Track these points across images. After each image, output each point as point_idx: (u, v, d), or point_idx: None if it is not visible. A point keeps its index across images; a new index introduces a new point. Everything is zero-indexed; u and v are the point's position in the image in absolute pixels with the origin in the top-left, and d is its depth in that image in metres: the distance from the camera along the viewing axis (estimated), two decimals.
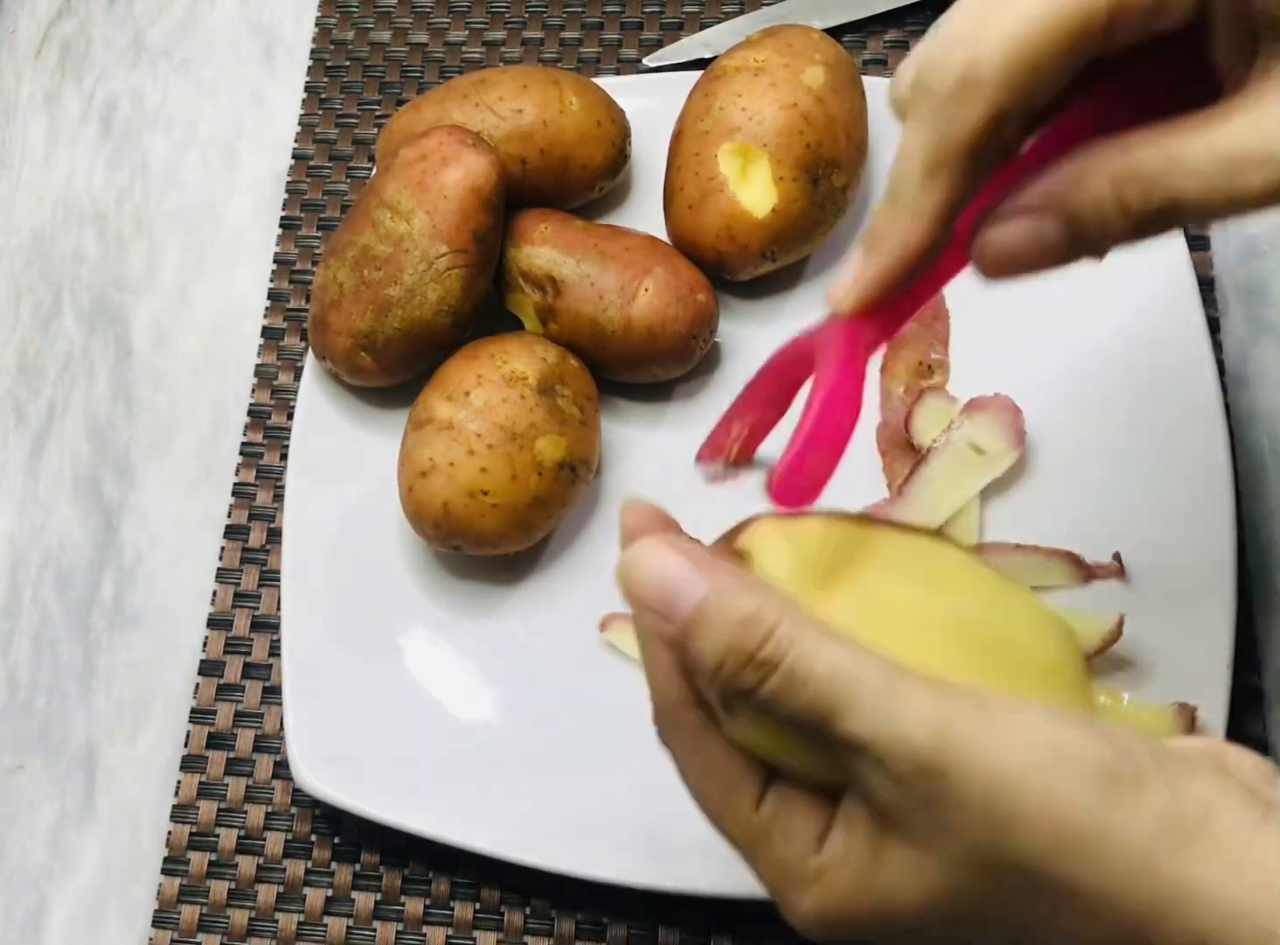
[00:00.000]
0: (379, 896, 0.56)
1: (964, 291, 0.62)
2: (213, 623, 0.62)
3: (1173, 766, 0.33)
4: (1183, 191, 0.35)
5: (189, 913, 0.57)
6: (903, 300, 0.38)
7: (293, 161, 0.71)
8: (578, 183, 0.63)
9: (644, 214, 0.64)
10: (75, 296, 0.70)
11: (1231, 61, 0.36)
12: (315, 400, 0.62)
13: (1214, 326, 0.62)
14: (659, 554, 0.35)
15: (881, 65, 0.70)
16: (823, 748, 0.33)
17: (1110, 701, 0.53)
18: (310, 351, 0.62)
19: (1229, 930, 0.31)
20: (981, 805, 0.32)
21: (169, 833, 0.58)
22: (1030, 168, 0.37)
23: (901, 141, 0.36)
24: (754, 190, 0.60)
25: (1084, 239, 0.36)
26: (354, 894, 0.56)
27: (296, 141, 0.72)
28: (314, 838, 0.57)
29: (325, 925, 0.56)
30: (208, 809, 0.58)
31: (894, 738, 0.32)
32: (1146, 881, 0.31)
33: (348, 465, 0.61)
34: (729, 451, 0.38)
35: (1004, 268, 0.37)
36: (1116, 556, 0.56)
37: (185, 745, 0.60)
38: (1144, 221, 0.36)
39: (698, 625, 0.34)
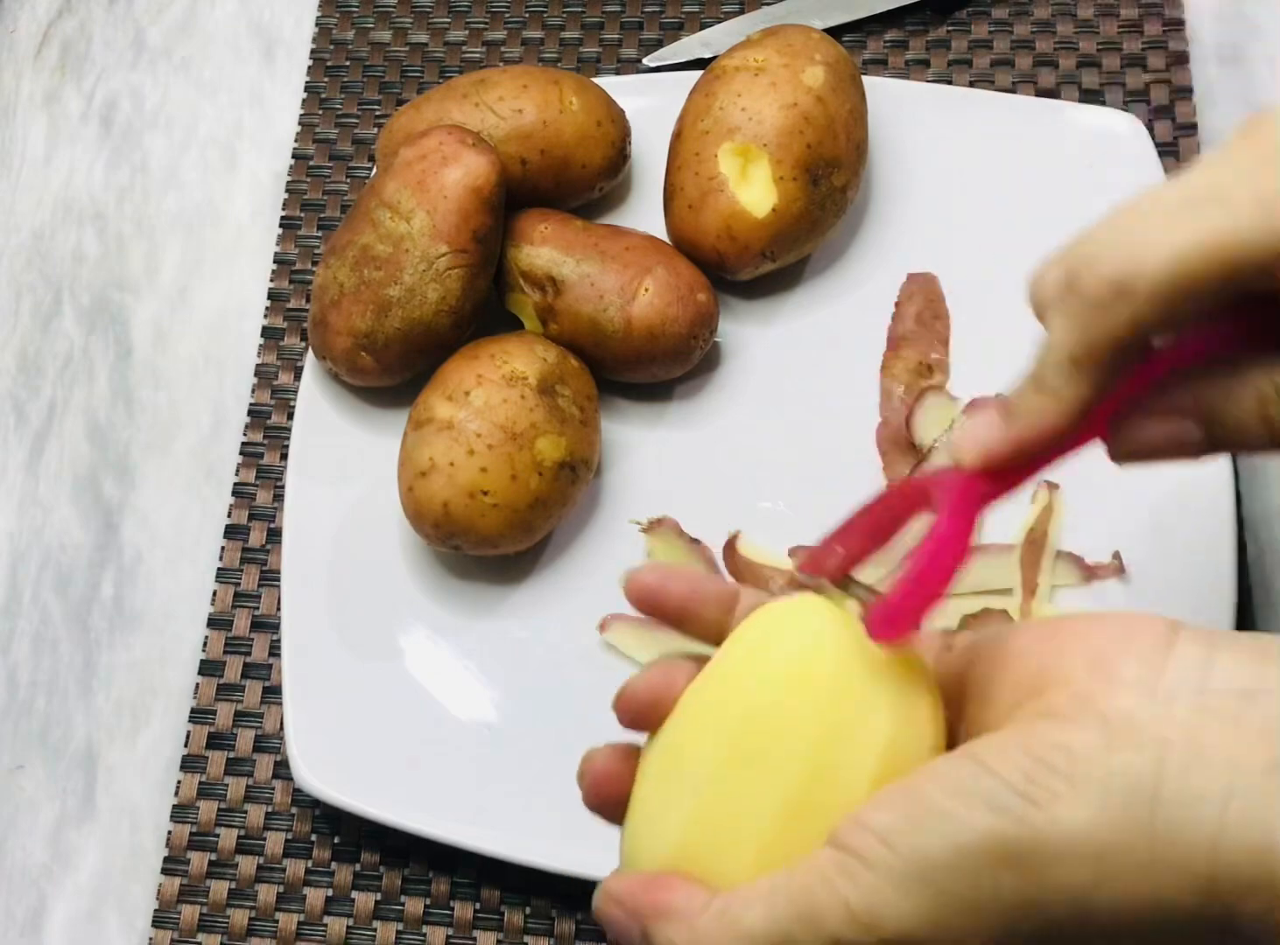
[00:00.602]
0: (379, 896, 0.56)
1: (964, 292, 0.63)
2: (213, 623, 0.62)
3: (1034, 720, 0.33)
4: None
5: (189, 913, 0.57)
6: (1023, 467, 0.39)
7: (293, 161, 0.71)
8: (578, 183, 0.63)
9: (644, 214, 0.64)
10: (75, 296, 0.70)
11: None
12: (315, 400, 0.62)
13: None
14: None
15: (881, 65, 0.70)
16: None
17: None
18: (310, 351, 0.62)
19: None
20: None
21: (169, 833, 0.58)
22: (1173, 362, 0.39)
23: (1050, 333, 0.37)
24: (754, 190, 0.60)
25: (1221, 444, 0.39)
26: (354, 894, 0.56)
27: (296, 141, 0.72)
28: (314, 838, 0.57)
29: (325, 925, 0.56)
30: (208, 809, 0.58)
31: None
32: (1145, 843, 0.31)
33: (348, 465, 0.61)
34: (828, 571, 0.40)
35: (1138, 458, 0.40)
36: (1116, 556, 0.56)
37: (185, 745, 0.60)
38: None
39: None
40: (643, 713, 0.39)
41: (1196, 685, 0.32)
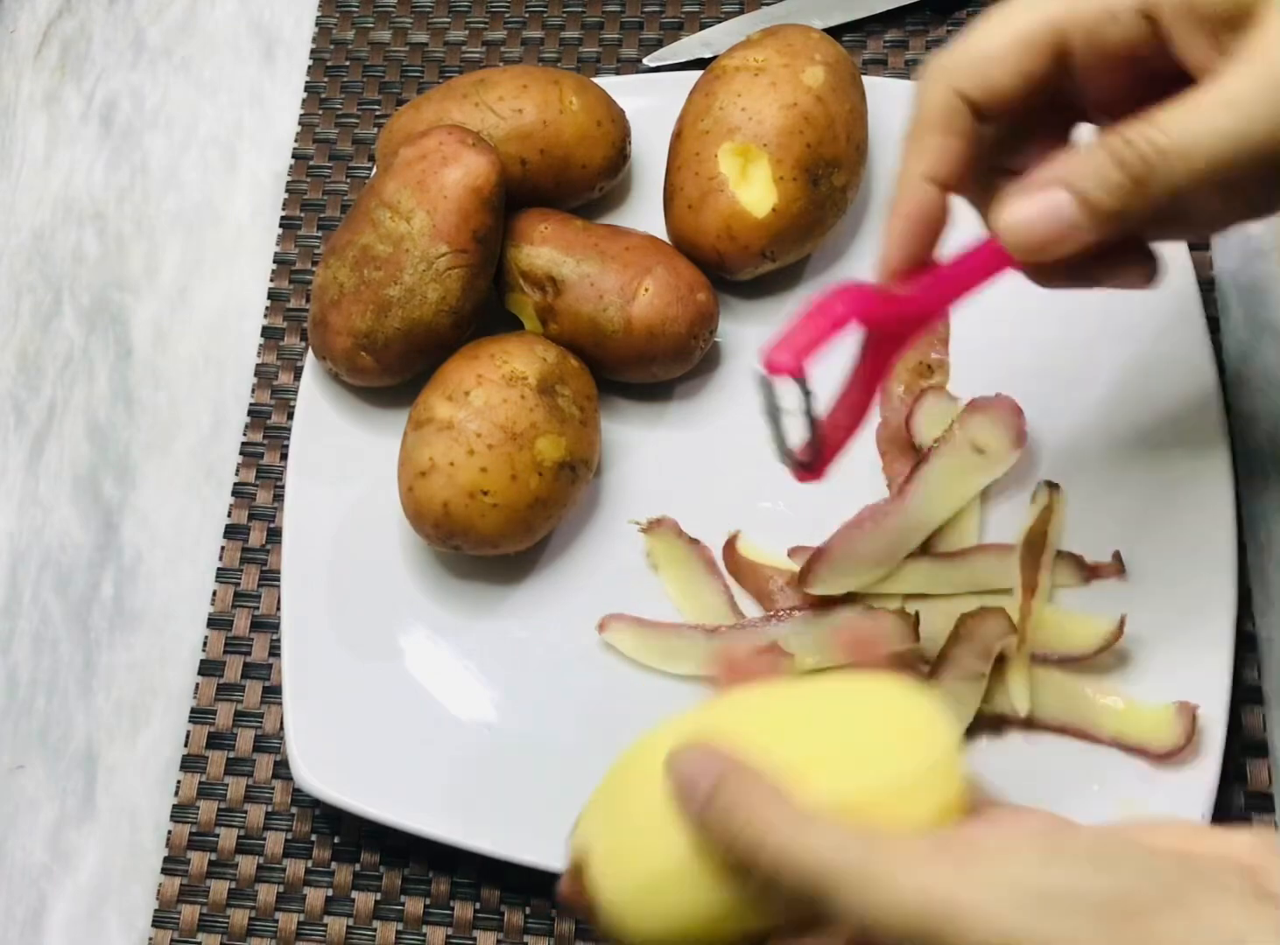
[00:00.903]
0: (379, 896, 0.56)
1: None
2: (213, 623, 0.62)
3: (1194, 889, 0.32)
4: (1161, 139, 0.39)
5: (189, 913, 0.57)
6: (941, 283, 0.44)
7: (293, 161, 0.71)
8: (578, 183, 0.63)
9: (644, 214, 0.64)
10: (75, 296, 0.70)
11: (1199, 61, 0.41)
12: (315, 400, 0.62)
13: (1214, 326, 0.62)
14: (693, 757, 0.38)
15: (881, 65, 0.70)
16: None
17: (1112, 703, 0.53)
18: (310, 351, 0.62)
19: None
20: None
21: (169, 833, 0.58)
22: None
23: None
24: (754, 190, 0.60)
25: (1094, 205, 0.40)
26: (354, 894, 0.56)
27: (296, 141, 0.72)
28: (314, 838, 0.57)
29: (325, 925, 0.56)
30: (208, 809, 0.58)
31: (884, 910, 0.33)
32: None
33: (348, 465, 0.61)
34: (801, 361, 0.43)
35: (1032, 246, 0.42)
36: (1116, 556, 0.56)
37: (185, 745, 0.60)
38: (1137, 175, 0.40)
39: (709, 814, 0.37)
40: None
41: None
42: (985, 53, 0.44)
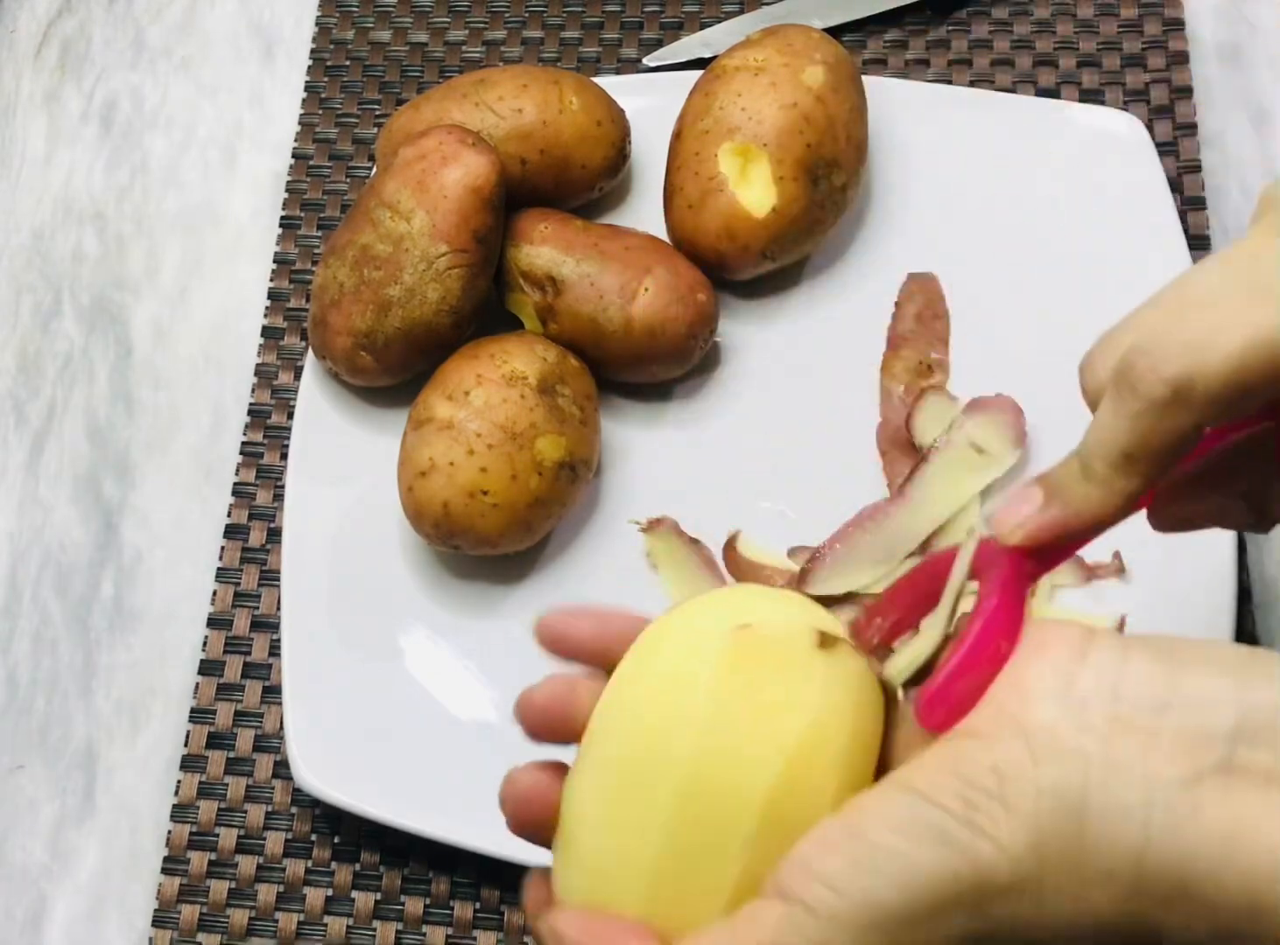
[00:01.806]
0: (379, 896, 0.56)
1: (964, 292, 0.63)
2: (213, 622, 0.61)
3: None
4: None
5: (189, 912, 0.57)
6: (1065, 546, 0.39)
7: (293, 161, 0.71)
8: (578, 182, 0.63)
9: (644, 214, 0.64)
10: (75, 296, 0.70)
11: None
12: (315, 400, 0.62)
13: None
14: None
15: (881, 65, 0.70)
16: None
17: None
18: (310, 351, 0.62)
19: None
20: None
21: (169, 832, 0.58)
22: (1217, 443, 0.40)
23: (1102, 422, 0.37)
24: (754, 190, 0.60)
25: (1268, 522, 0.40)
26: (354, 894, 0.56)
27: (296, 141, 0.72)
28: (314, 838, 0.57)
29: (325, 925, 0.56)
30: (208, 809, 0.58)
31: None
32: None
33: (348, 465, 0.61)
34: (870, 642, 0.39)
35: (1181, 529, 0.41)
36: (1116, 556, 0.56)
37: (185, 745, 0.60)
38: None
39: None
40: (549, 726, 0.38)
41: (1110, 694, 0.32)
42: (1243, 379, 0.35)
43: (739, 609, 0.36)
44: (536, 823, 0.37)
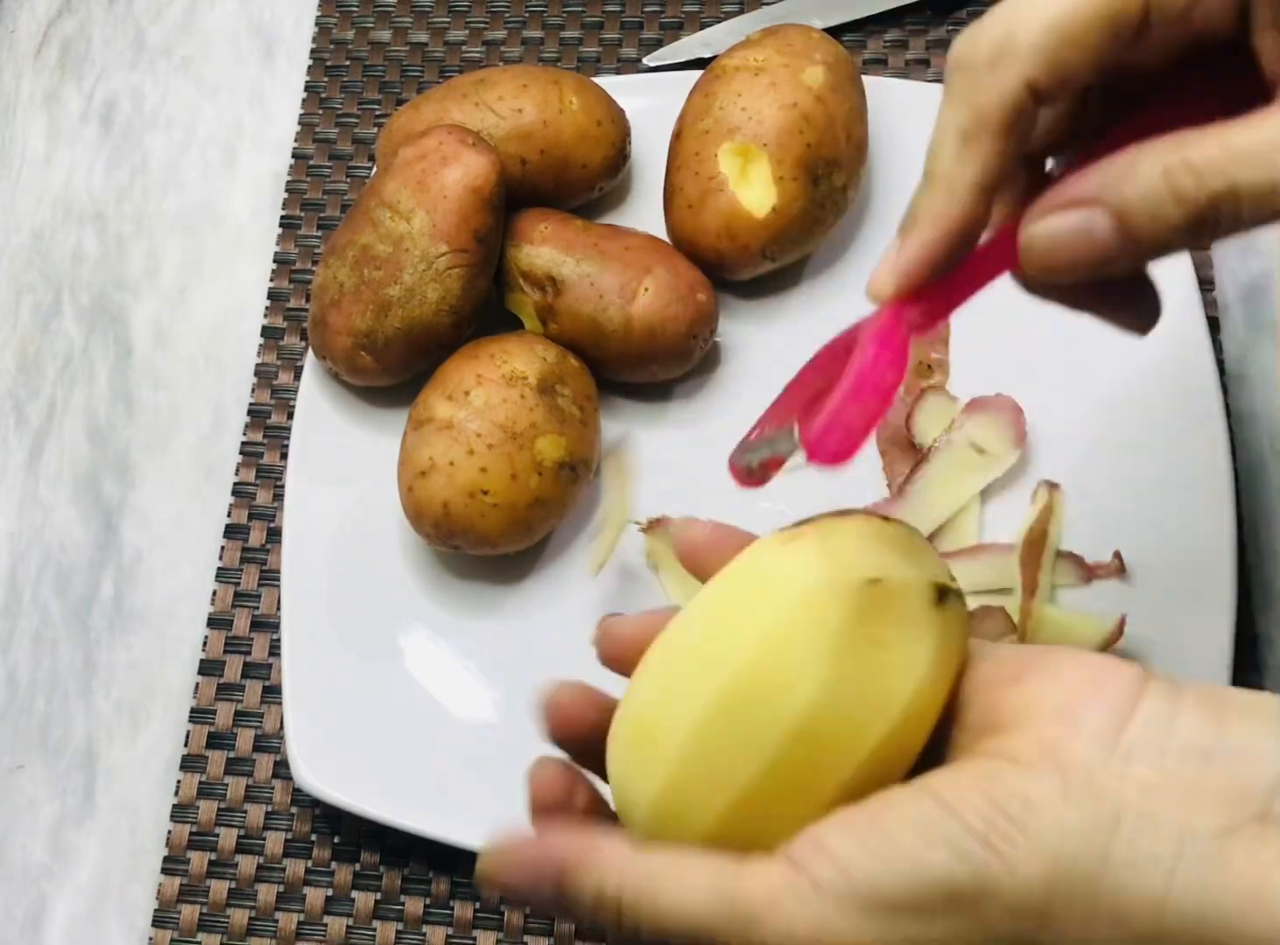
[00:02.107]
0: (379, 896, 0.56)
1: None
2: (213, 622, 0.62)
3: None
4: (1239, 179, 0.33)
5: (189, 912, 0.57)
6: (945, 290, 0.37)
7: (293, 161, 0.71)
8: (578, 182, 0.63)
9: (644, 214, 0.64)
10: (75, 296, 0.70)
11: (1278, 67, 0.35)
12: (315, 400, 0.62)
13: (1214, 326, 0.62)
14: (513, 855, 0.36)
15: (881, 65, 0.70)
16: None
17: None
18: (310, 351, 0.62)
19: None
20: None
21: (169, 832, 0.58)
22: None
23: (938, 117, 0.36)
24: (754, 190, 0.60)
25: (1135, 236, 0.35)
26: (354, 893, 0.56)
27: (296, 141, 0.72)
28: (314, 838, 0.57)
29: (325, 925, 0.56)
30: (208, 809, 0.58)
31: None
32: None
33: (348, 465, 0.61)
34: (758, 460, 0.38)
35: (1051, 266, 0.36)
36: (1117, 556, 0.56)
37: (185, 745, 0.60)
38: (1199, 215, 0.34)
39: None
40: (626, 655, 0.38)
41: (1159, 744, 0.32)
42: (1061, 27, 0.34)
43: (856, 556, 0.35)
44: (578, 738, 0.38)
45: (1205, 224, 0.34)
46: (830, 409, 0.34)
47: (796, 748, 0.34)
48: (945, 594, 0.35)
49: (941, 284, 0.37)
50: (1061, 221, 0.35)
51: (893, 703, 0.34)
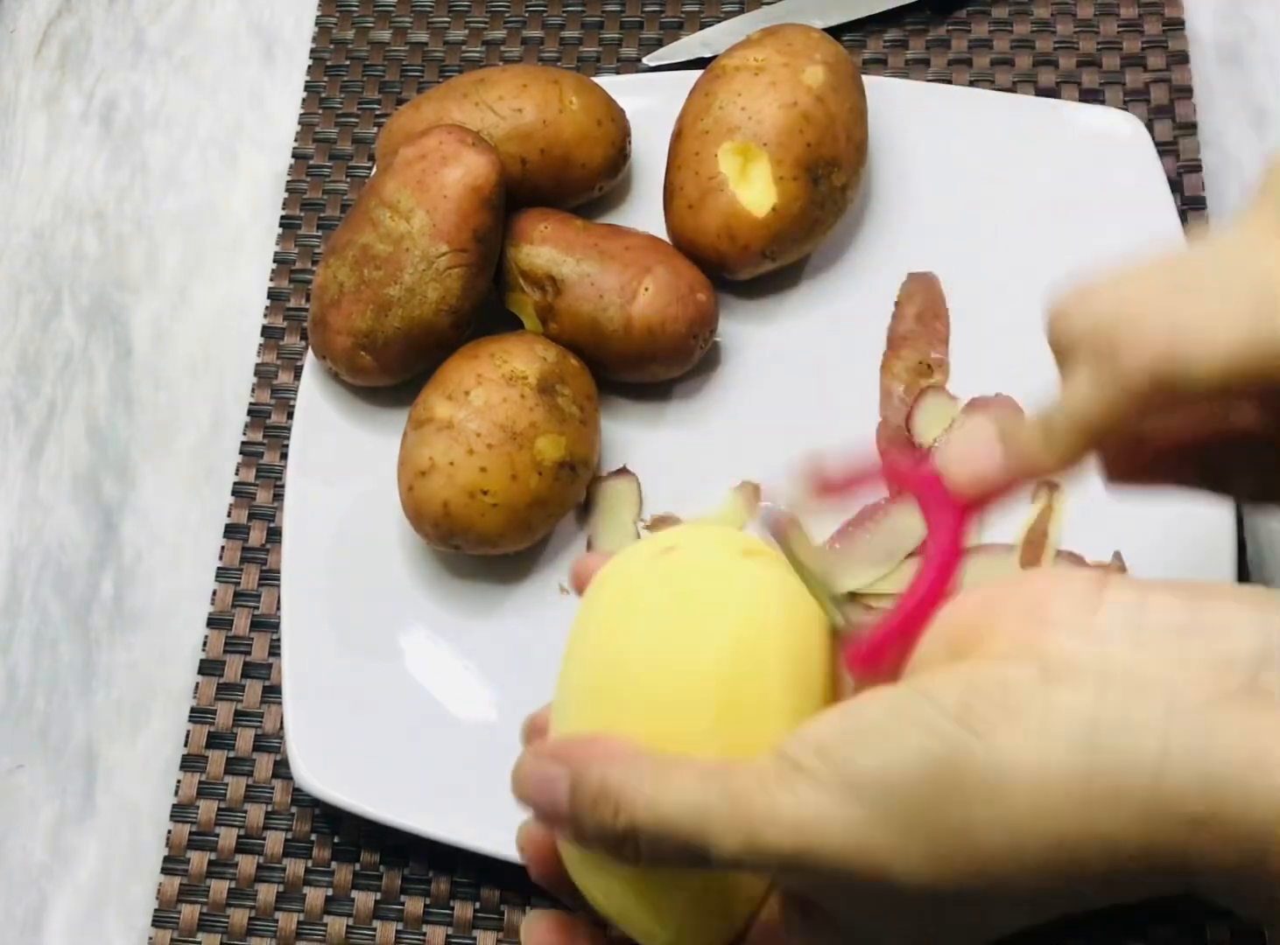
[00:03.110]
0: (379, 896, 0.56)
1: (964, 292, 0.63)
2: (213, 622, 0.61)
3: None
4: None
5: (189, 912, 0.57)
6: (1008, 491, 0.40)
7: (293, 161, 0.71)
8: (578, 182, 0.63)
9: (644, 214, 0.64)
10: (75, 296, 0.70)
11: None
12: (315, 400, 0.62)
13: None
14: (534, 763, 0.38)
15: (881, 65, 0.70)
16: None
17: None
18: (310, 351, 0.62)
19: None
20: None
21: (169, 832, 0.58)
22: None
23: (1071, 388, 0.37)
24: (754, 189, 0.60)
25: (1218, 493, 0.42)
26: (354, 893, 0.56)
27: (296, 141, 0.72)
28: (314, 837, 0.57)
29: (325, 925, 0.56)
30: (208, 808, 0.58)
31: (757, 852, 0.33)
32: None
33: (348, 465, 0.61)
34: (787, 516, 0.41)
35: (1134, 488, 0.42)
36: (1117, 556, 0.56)
37: (185, 745, 0.60)
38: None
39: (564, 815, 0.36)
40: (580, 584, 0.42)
41: (1133, 625, 0.32)
42: (1230, 378, 0.34)
43: (666, 539, 0.40)
44: (555, 871, 0.39)
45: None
46: (887, 630, 0.36)
47: (652, 706, 0.36)
48: (751, 551, 0.39)
49: None
50: (1159, 476, 0.41)
51: (723, 634, 0.37)
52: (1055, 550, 0.56)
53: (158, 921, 0.57)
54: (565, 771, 0.35)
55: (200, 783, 0.59)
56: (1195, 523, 0.56)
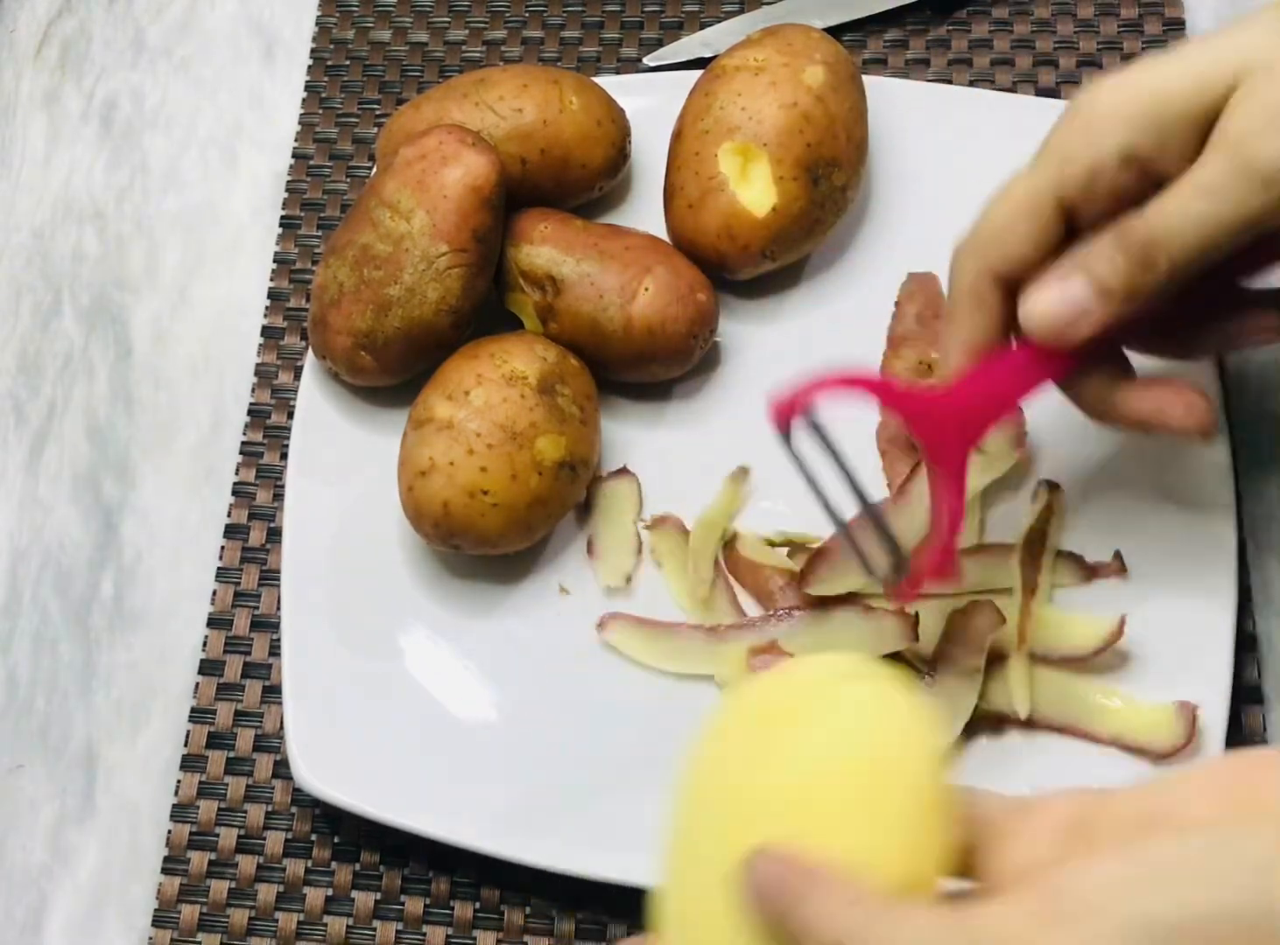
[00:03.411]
0: (379, 896, 0.56)
1: None
2: (213, 622, 0.62)
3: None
4: (1159, 230, 0.44)
5: (189, 912, 0.57)
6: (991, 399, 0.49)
7: (293, 161, 0.71)
8: (578, 182, 0.63)
9: (644, 214, 0.64)
10: (75, 296, 0.70)
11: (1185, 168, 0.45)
12: (315, 400, 0.62)
13: None
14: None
15: (881, 65, 0.70)
16: None
17: (1112, 703, 0.53)
18: (310, 351, 0.62)
19: None
20: None
21: (169, 832, 0.58)
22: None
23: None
24: (754, 189, 0.60)
25: (1109, 290, 0.45)
26: (354, 893, 0.56)
27: (296, 141, 0.72)
28: (314, 837, 0.57)
29: (325, 925, 0.56)
30: (208, 808, 0.58)
31: None
32: None
33: (348, 465, 0.61)
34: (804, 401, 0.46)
35: (1056, 330, 0.46)
36: (1117, 556, 0.56)
37: (185, 745, 0.60)
38: (1145, 263, 0.45)
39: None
40: None
41: None
42: (997, 229, 0.47)
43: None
44: None
45: (1147, 266, 0.45)
46: (937, 546, 0.46)
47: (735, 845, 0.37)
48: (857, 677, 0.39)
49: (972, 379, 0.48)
50: (1049, 291, 0.46)
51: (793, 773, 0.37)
52: (1055, 550, 0.56)
53: (158, 921, 0.57)
54: (786, 898, 0.35)
55: (200, 783, 0.59)
56: (1195, 523, 0.56)
